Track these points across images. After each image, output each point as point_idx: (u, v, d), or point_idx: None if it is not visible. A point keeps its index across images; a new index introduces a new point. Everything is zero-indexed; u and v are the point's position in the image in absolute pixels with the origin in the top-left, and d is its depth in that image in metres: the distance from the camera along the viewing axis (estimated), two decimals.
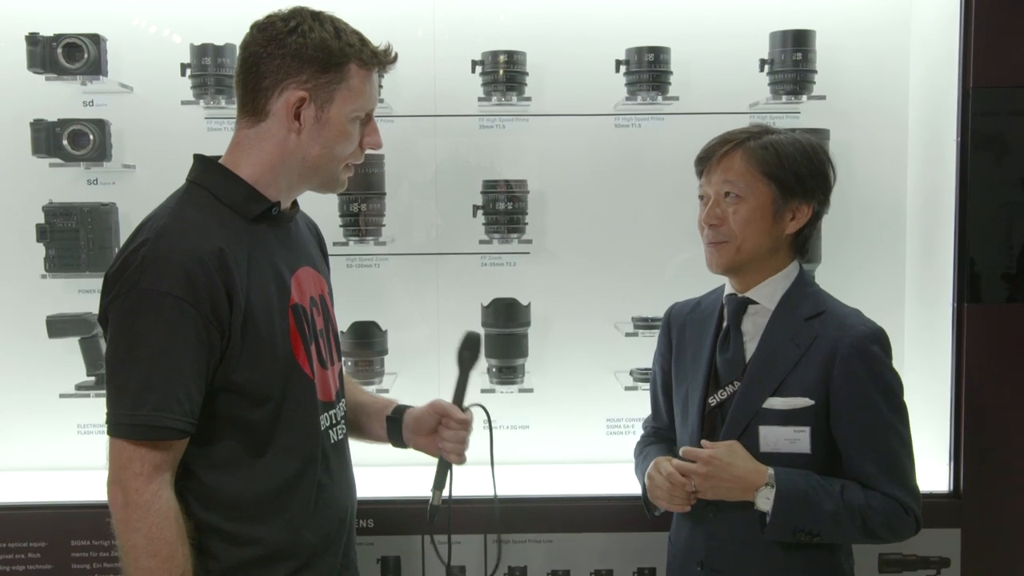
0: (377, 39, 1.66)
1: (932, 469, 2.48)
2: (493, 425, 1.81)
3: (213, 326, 1.48)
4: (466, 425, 1.78)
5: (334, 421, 1.72)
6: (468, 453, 1.81)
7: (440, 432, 1.79)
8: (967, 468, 2.41)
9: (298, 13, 1.59)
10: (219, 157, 1.66)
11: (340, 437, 1.74)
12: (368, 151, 1.70)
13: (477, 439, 1.82)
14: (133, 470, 1.45)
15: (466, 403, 1.80)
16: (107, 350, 1.50)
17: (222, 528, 1.56)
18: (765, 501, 1.71)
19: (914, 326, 2.73)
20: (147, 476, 1.46)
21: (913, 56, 2.73)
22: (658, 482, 1.80)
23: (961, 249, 2.42)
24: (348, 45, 1.58)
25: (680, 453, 1.79)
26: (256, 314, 1.54)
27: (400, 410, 1.86)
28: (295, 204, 1.74)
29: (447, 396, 1.79)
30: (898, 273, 2.78)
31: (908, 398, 1.78)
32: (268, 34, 1.56)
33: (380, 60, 1.63)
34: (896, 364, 1.78)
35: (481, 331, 2.66)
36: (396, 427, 1.84)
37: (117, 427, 1.47)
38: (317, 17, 1.59)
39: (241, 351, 1.52)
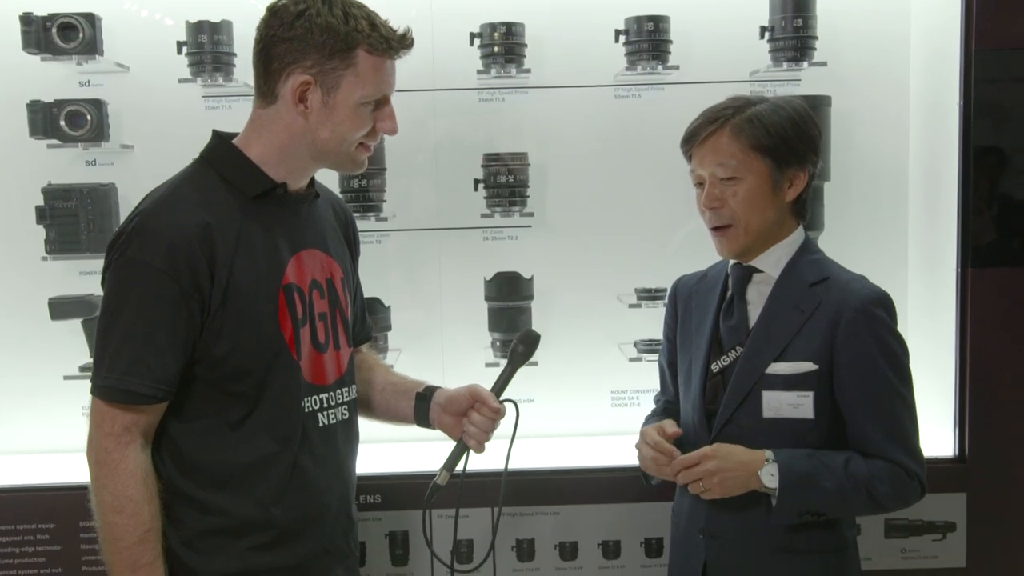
0: (382, 16, 1.64)
1: (937, 434, 2.48)
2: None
3: (193, 299, 1.54)
4: (497, 414, 1.79)
5: (326, 405, 1.71)
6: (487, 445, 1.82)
7: (468, 415, 1.79)
8: (972, 432, 2.41)
9: None
10: (236, 134, 1.68)
11: (332, 422, 1.73)
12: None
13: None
14: (105, 429, 1.55)
15: (503, 396, 1.82)
16: (99, 314, 1.58)
17: (193, 495, 1.62)
18: (770, 477, 1.70)
19: (918, 291, 2.72)
20: (116, 436, 1.54)
21: (914, 19, 2.70)
22: (644, 452, 1.83)
23: (964, 213, 2.41)
24: (356, 31, 1.56)
25: (673, 471, 1.77)
26: (240, 289, 1.57)
27: (431, 389, 1.88)
28: (312, 186, 1.75)
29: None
30: (901, 239, 2.77)
31: (913, 363, 1.78)
32: (278, 18, 1.58)
33: (392, 46, 1.61)
34: (900, 329, 1.78)
35: (485, 305, 2.67)
36: (424, 405, 1.86)
37: (94, 387, 1.56)
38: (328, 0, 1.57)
39: (222, 324, 1.57)
